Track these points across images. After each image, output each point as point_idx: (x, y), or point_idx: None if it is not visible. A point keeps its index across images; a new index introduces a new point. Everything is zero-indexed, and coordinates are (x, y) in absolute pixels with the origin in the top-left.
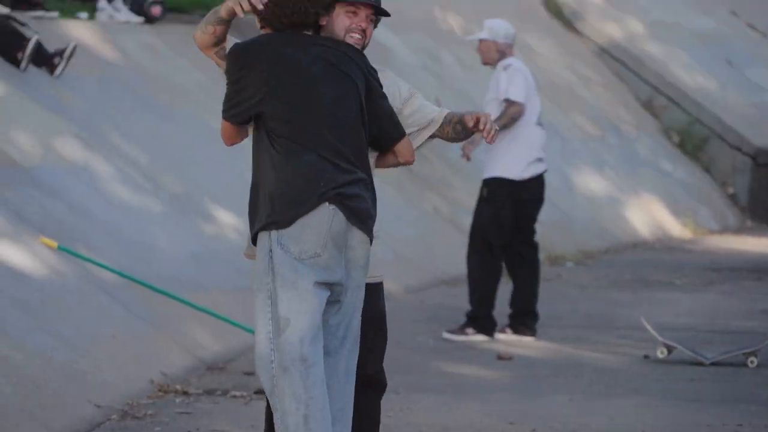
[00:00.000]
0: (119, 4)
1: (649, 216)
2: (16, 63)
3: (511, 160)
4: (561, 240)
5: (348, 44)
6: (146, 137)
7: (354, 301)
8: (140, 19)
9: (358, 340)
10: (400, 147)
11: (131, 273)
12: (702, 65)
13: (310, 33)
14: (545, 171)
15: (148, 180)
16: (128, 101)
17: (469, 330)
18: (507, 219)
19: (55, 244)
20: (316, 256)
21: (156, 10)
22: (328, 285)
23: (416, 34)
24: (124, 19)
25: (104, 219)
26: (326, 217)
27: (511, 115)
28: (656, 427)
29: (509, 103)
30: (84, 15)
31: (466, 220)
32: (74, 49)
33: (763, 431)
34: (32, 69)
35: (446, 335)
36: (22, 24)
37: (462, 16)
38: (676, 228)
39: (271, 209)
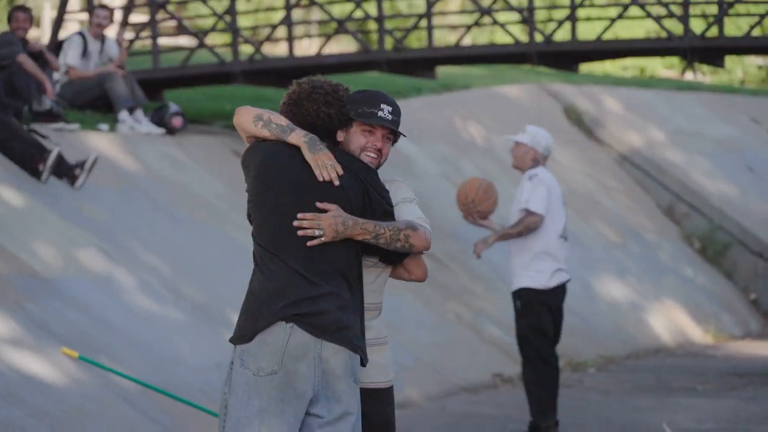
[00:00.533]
0: (140, 116)
1: (670, 322)
2: (37, 175)
3: (535, 271)
4: (583, 346)
5: (355, 158)
6: (167, 247)
7: (338, 411)
8: (161, 130)
9: None
10: (410, 265)
11: (152, 382)
12: (723, 172)
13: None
14: (568, 280)
15: (169, 290)
16: (149, 211)
17: None
18: (547, 326)
19: (76, 354)
20: (273, 373)
21: (177, 121)
22: (299, 400)
23: (436, 143)
24: (145, 130)
25: (125, 329)
26: (282, 335)
27: (527, 224)
28: None
29: (528, 213)
30: (105, 127)
31: (488, 328)
32: (95, 160)
33: None
34: (53, 180)
35: None
36: (44, 136)
37: (483, 125)
38: (698, 333)
39: (240, 322)
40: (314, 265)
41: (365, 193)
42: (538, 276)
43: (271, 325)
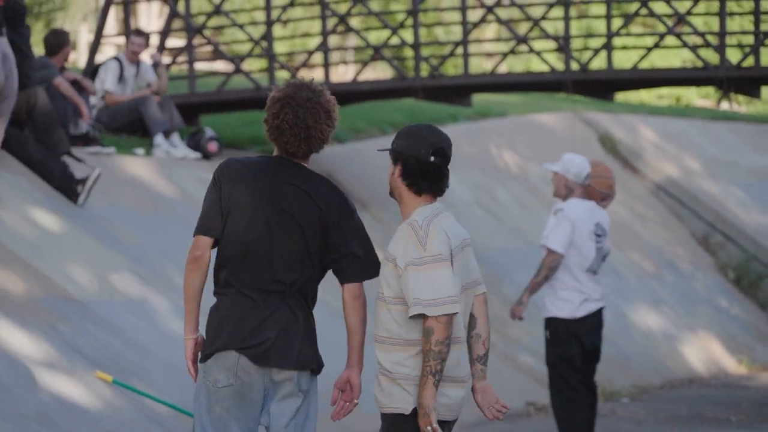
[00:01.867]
0: (176, 140)
1: (704, 352)
2: (74, 197)
3: (562, 301)
4: (617, 375)
5: (322, 178)
6: None
7: (293, 407)
8: (197, 154)
9: None
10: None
11: (186, 407)
12: (758, 202)
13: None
14: (600, 309)
15: (202, 314)
16: (183, 235)
17: None
18: (575, 356)
19: (110, 378)
20: (229, 386)
21: (212, 146)
22: (254, 405)
23: (471, 170)
24: (180, 154)
25: (159, 353)
26: (232, 358)
27: (548, 266)
28: None
29: (547, 250)
30: (141, 151)
31: (522, 357)
32: (98, 177)
33: None
34: (89, 203)
35: None
36: (80, 160)
37: (518, 153)
38: (732, 364)
39: (205, 340)
40: (266, 288)
41: (327, 211)
42: (566, 306)
43: (221, 351)
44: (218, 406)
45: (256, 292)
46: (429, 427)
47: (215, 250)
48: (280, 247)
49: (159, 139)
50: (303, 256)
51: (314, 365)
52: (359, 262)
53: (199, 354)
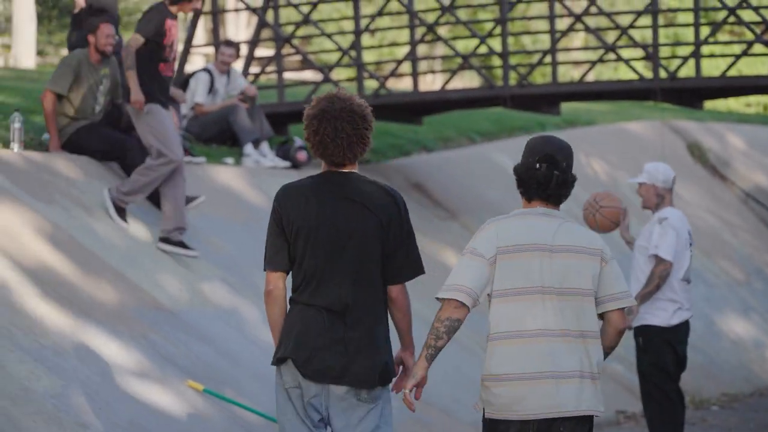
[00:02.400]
0: (266, 149)
1: None
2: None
3: (657, 309)
4: (706, 384)
5: (374, 183)
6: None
7: (357, 417)
8: (286, 164)
9: None
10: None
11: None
12: None
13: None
14: (690, 317)
15: None
16: None
17: None
18: (669, 363)
19: (201, 387)
20: (296, 387)
21: (301, 155)
22: (316, 411)
23: None
24: (270, 164)
25: (250, 362)
26: (294, 368)
27: (659, 274)
28: None
29: (658, 260)
30: (230, 160)
31: (611, 365)
32: (201, 202)
33: None
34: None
35: None
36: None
37: (607, 162)
38: None
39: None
40: (334, 307)
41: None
42: (660, 314)
43: (285, 360)
44: (289, 407)
45: (319, 310)
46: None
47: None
48: (343, 267)
49: (248, 148)
50: (365, 271)
51: (372, 383)
52: (402, 265)
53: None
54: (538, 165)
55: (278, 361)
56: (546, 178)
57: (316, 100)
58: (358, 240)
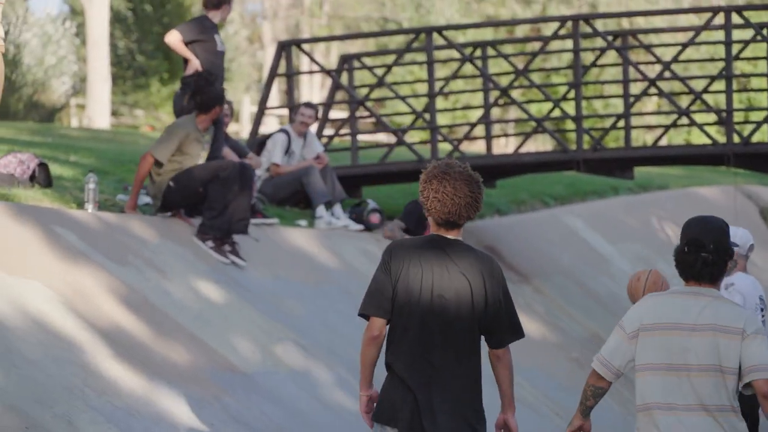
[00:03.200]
0: (338, 211)
1: None
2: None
3: None
4: None
5: (475, 252)
6: None
7: None
8: (359, 226)
9: None
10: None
11: None
12: None
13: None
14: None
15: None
16: (345, 305)
17: None
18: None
19: None
20: None
21: (374, 218)
22: None
23: (632, 243)
24: (342, 226)
25: (323, 424)
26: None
27: None
28: None
29: None
30: (303, 222)
31: None
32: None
33: None
34: (252, 273)
35: None
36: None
37: (679, 226)
38: None
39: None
40: (417, 367)
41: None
42: None
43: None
44: None
45: (409, 372)
46: None
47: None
48: (436, 330)
49: (321, 210)
50: (456, 337)
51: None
52: (504, 330)
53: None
54: (686, 248)
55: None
56: (694, 261)
57: (433, 165)
58: (453, 310)
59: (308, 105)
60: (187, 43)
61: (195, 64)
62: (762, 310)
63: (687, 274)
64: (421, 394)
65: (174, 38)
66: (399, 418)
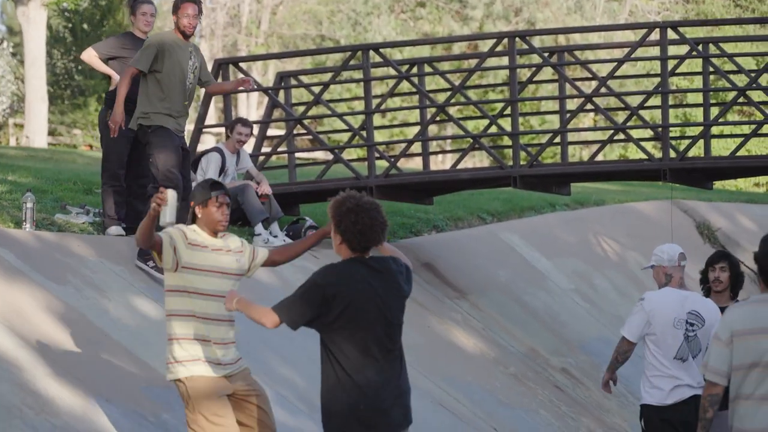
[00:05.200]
0: (276, 229)
1: None
2: (140, 259)
3: (653, 388)
4: None
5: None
6: (302, 360)
7: None
8: None
9: None
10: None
11: None
12: None
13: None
14: (693, 396)
15: (304, 402)
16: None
17: None
18: None
19: None
20: None
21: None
22: None
23: (569, 258)
24: (280, 244)
25: None
26: None
27: (617, 350)
28: None
29: (622, 337)
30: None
31: None
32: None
33: None
34: None
35: None
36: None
37: (616, 241)
38: None
39: None
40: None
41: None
42: (656, 393)
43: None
44: None
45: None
46: None
47: None
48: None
49: (259, 228)
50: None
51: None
52: None
53: None
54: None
55: None
56: None
57: (343, 198)
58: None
59: (245, 122)
60: (106, 59)
61: (115, 80)
62: (691, 324)
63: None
64: None
65: (87, 55)
66: None
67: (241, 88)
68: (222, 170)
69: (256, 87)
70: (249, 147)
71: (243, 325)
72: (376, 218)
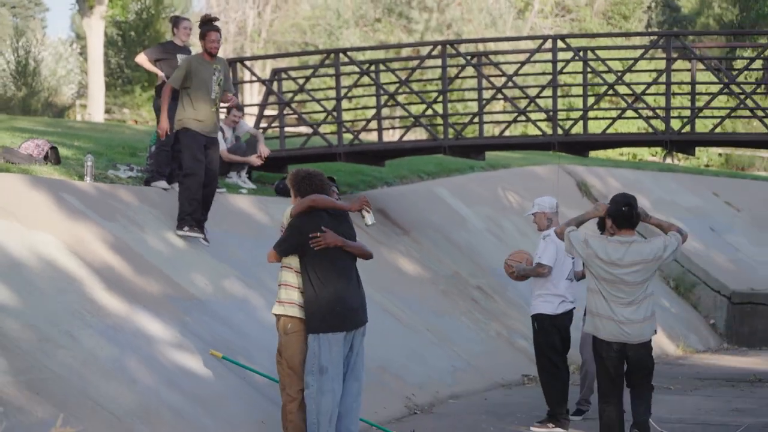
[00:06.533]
0: (245, 177)
1: (653, 339)
2: (180, 226)
3: (546, 302)
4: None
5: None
6: None
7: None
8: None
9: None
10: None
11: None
12: (691, 231)
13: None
14: (573, 309)
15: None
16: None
17: (550, 424)
18: (556, 342)
19: (220, 355)
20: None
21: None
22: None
23: (484, 207)
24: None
25: (258, 338)
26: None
27: (537, 272)
28: None
29: (539, 266)
30: (244, 191)
31: (519, 341)
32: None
33: None
34: (208, 229)
35: (534, 428)
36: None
37: (518, 194)
38: (672, 348)
39: None
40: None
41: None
42: (548, 305)
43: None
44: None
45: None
46: None
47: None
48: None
49: (233, 175)
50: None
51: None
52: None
53: None
54: (623, 208)
55: None
56: (629, 215)
57: (294, 172)
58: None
59: (238, 108)
60: (154, 61)
61: (161, 76)
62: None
63: (623, 225)
64: None
65: (140, 58)
66: None
67: (230, 104)
68: (224, 138)
69: (239, 103)
70: (251, 122)
71: (247, 254)
72: (322, 180)
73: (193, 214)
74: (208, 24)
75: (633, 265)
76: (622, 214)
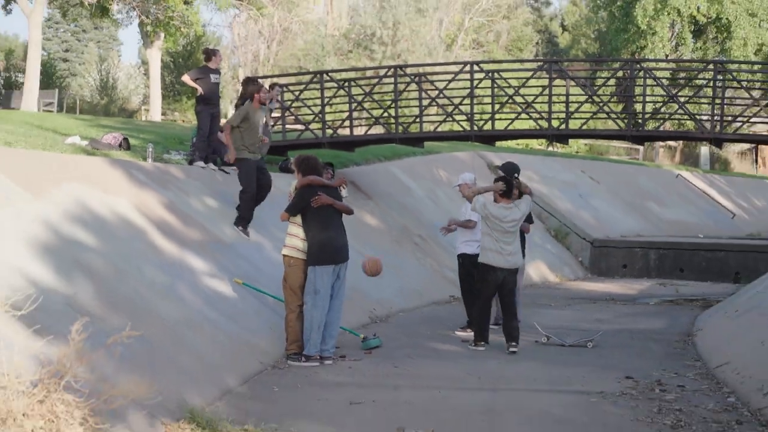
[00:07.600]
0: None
1: (539, 271)
2: (239, 224)
3: (467, 246)
4: None
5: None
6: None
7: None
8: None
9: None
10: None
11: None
12: (567, 198)
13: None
14: None
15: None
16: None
17: (469, 329)
18: (474, 272)
19: (241, 282)
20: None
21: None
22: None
23: (424, 181)
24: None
25: (268, 270)
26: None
27: (467, 225)
28: (541, 378)
29: (468, 221)
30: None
31: (447, 273)
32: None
33: (594, 377)
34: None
35: (457, 332)
36: (227, 172)
37: (446, 172)
38: (552, 277)
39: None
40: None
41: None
42: (469, 248)
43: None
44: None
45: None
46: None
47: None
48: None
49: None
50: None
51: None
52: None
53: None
54: (505, 188)
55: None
56: (509, 192)
57: (298, 157)
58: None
59: (268, 88)
60: (194, 80)
61: (200, 90)
62: None
63: (505, 196)
64: None
65: (185, 78)
66: None
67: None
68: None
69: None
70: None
71: (262, 213)
72: (316, 161)
73: (248, 219)
74: (257, 82)
75: (512, 221)
76: (505, 192)
